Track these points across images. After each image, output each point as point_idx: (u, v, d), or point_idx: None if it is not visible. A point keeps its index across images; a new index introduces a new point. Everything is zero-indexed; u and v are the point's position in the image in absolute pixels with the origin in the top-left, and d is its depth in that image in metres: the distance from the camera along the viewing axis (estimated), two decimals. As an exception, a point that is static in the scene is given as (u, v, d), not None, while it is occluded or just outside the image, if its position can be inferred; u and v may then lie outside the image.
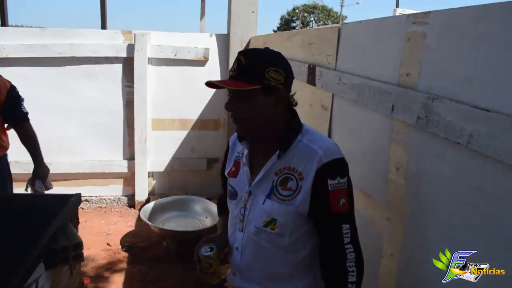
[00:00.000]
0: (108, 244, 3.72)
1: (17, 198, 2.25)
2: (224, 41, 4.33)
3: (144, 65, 4.16)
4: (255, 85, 1.24)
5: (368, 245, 1.72)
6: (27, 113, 2.68)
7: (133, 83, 4.19)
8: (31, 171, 2.74)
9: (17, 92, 2.61)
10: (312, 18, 46.76)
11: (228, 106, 1.31)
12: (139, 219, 4.02)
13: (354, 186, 1.83)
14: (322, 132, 2.13)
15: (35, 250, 1.56)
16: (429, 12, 1.35)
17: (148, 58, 4.17)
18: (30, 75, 4.07)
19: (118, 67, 4.21)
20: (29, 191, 2.66)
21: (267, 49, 1.34)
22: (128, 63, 4.18)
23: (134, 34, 4.13)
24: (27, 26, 6.84)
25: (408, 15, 1.46)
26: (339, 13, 44.16)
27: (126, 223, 4.15)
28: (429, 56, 1.32)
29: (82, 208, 4.38)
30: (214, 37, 4.36)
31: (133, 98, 4.22)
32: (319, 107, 2.25)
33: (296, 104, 1.40)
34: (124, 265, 3.42)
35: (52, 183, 4.17)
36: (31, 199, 2.19)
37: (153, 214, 3.87)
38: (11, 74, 3.99)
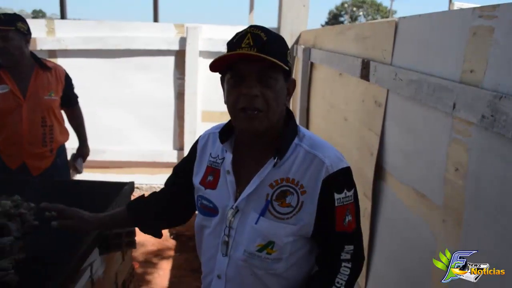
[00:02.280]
0: (156, 231, 3.82)
1: (73, 185, 2.36)
2: (274, 34, 4.31)
3: (195, 58, 4.23)
4: (285, 66, 1.04)
5: (420, 246, 1.67)
6: (77, 96, 2.84)
7: (184, 75, 4.28)
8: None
9: (70, 77, 2.75)
10: (361, 13, 45.81)
11: (249, 90, 1.03)
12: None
13: (407, 185, 1.79)
14: (375, 130, 2.09)
15: (90, 236, 1.63)
16: (498, 5, 1.27)
17: (199, 51, 4.24)
18: (87, 67, 4.25)
19: (170, 60, 4.31)
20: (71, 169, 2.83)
21: None
22: (180, 56, 4.27)
23: (186, 27, 4.20)
24: (84, 19, 7.12)
25: (474, 8, 1.39)
26: (388, 7, 42.97)
27: (174, 212, 4.25)
28: (497, 51, 1.25)
29: (133, 196, 4.53)
30: (264, 31, 4.34)
31: (184, 90, 4.30)
32: (372, 103, 2.19)
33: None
34: (171, 252, 3.51)
35: (106, 170, 4.36)
36: (87, 186, 2.29)
37: (200, 204, 3.94)
38: (70, 65, 4.18)
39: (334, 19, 45.43)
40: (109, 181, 2.29)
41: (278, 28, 4.28)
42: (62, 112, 2.77)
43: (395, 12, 42.49)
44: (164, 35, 4.27)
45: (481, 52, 1.32)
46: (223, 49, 4.09)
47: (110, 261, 1.90)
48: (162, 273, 3.20)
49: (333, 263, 1.13)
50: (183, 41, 4.22)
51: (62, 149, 2.71)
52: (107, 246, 1.80)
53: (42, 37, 4.12)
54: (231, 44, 1.07)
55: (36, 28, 4.09)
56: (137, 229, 1.89)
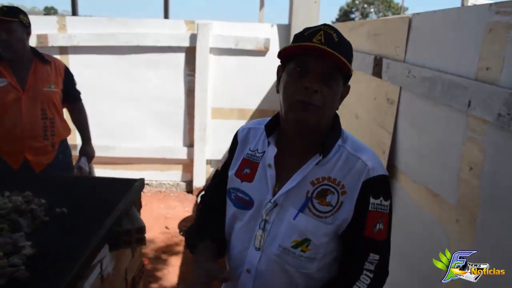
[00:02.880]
0: (166, 227, 3.84)
1: (84, 182, 2.36)
2: (285, 31, 4.29)
3: (205, 54, 4.22)
4: (351, 69, 1.05)
5: (432, 246, 1.65)
6: (80, 92, 2.75)
7: (194, 72, 4.27)
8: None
9: (71, 72, 2.66)
10: (372, 10, 45.40)
11: (312, 85, 1.01)
12: (196, 204, 4.13)
13: (420, 184, 1.76)
14: (387, 128, 2.06)
15: (101, 233, 1.62)
16: (516, 0, 1.24)
17: (210, 47, 4.23)
18: (98, 63, 4.26)
19: (181, 56, 4.31)
20: (75, 171, 2.73)
21: None
22: (190, 53, 4.26)
23: (197, 24, 4.19)
24: (95, 16, 7.15)
25: (491, 4, 1.36)
26: (400, 4, 42.53)
27: (183, 208, 4.27)
28: (514, 48, 1.22)
29: (143, 192, 4.54)
30: (275, 28, 4.33)
31: (194, 87, 4.30)
32: (384, 101, 2.16)
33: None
34: (181, 248, 3.52)
35: (116, 166, 4.36)
36: (97, 182, 2.29)
37: (209, 201, 3.94)
38: (81, 62, 4.22)
39: (345, 15, 45.08)
40: (120, 178, 2.29)
41: (289, 24, 4.25)
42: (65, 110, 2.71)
43: (407, 9, 41.96)
44: (174, 32, 4.26)
45: (497, 49, 1.29)
46: (234, 46, 4.07)
47: (120, 258, 1.90)
48: (171, 270, 3.20)
49: (354, 269, 1.08)
50: (193, 37, 4.21)
51: (65, 146, 2.66)
52: (117, 243, 1.80)
53: (54, 33, 4.14)
54: (300, 37, 1.05)
55: (48, 24, 4.12)
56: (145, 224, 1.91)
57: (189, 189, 4.60)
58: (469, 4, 4.78)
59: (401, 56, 1.99)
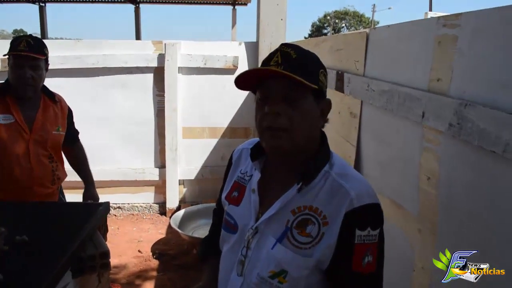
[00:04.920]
0: (139, 251, 3.76)
1: (46, 207, 2.29)
2: (253, 49, 4.33)
3: (174, 74, 4.22)
4: (313, 85, 0.98)
5: (398, 257, 1.66)
6: (78, 132, 2.56)
7: (164, 92, 4.25)
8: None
9: (71, 110, 2.46)
10: (344, 25, 46.42)
11: (272, 109, 0.98)
12: (170, 226, 4.06)
13: (384, 195, 1.78)
14: (351, 141, 2.08)
15: (62, 259, 1.57)
16: (460, 14, 1.29)
17: (178, 67, 4.22)
18: (65, 86, 4.17)
19: (149, 77, 4.28)
20: None
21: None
22: (158, 73, 4.25)
23: (165, 44, 4.19)
24: (66, 38, 7.09)
25: (439, 17, 1.40)
26: (371, 18, 43.67)
27: (157, 231, 4.19)
28: (461, 60, 1.26)
29: (115, 215, 4.46)
30: (243, 45, 4.36)
31: (164, 107, 4.28)
32: (347, 115, 2.19)
33: (327, 121, 1.12)
34: (154, 272, 3.44)
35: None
36: (60, 208, 2.23)
37: (183, 222, 3.89)
38: (48, 85, 4.14)
39: (317, 31, 45.92)
40: (83, 202, 2.24)
41: (257, 41, 4.30)
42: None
43: (378, 22, 43.04)
44: (142, 53, 4.24)
45: (446, 61, 1.33)
46: (202, 64, 4.07)
47: (85, 284, 1.84)
48: (145, 295, 3.13)
49: None
50: (161, 57, 4.20)
51: (61, 186, 2.45)
52: (81, 269, 1.75)
53: (19, 57, 4.07)
54: (262, 63, 1.04)
55: (12, 49, 4.04)
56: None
57: (162, 211, 4.53)
58: (429, 17, 4.94)
59: (361, 70, 2.03)
